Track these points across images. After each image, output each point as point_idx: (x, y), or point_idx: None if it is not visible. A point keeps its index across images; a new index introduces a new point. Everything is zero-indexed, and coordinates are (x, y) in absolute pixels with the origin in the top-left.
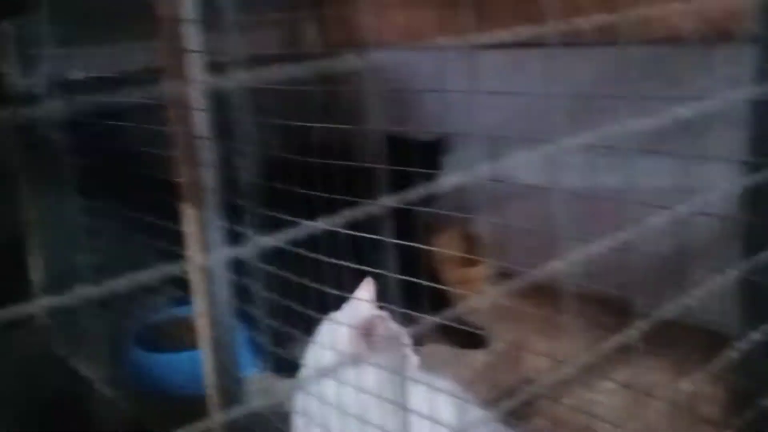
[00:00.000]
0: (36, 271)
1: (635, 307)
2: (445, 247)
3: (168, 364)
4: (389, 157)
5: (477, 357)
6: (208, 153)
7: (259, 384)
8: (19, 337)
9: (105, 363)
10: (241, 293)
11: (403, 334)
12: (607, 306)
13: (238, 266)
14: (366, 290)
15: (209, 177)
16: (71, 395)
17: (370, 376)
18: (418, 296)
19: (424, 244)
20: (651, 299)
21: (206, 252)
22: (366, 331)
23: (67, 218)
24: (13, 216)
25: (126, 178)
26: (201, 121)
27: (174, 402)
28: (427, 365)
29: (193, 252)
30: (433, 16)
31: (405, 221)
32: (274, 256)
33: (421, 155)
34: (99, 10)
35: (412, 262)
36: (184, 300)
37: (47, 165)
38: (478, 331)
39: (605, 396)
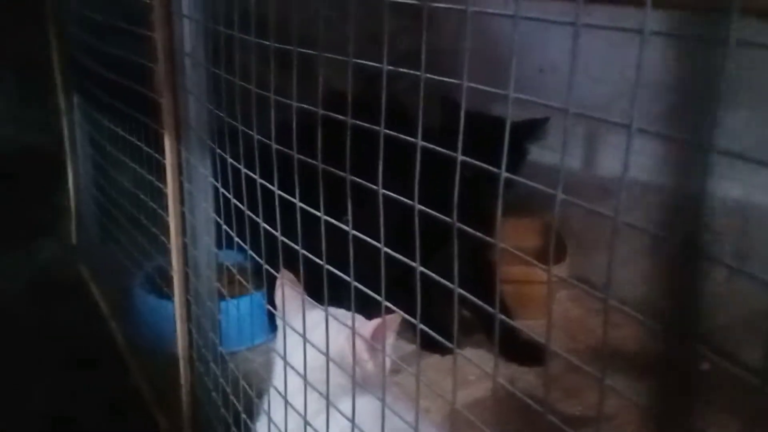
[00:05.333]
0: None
1: None
2: (513, 238)
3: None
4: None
5: (520, 375)
6: (192, 74)
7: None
8: (49, 250)
9: (116, 298)
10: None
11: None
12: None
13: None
14: (285, 281)
15: (193, 105)
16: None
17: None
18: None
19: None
20: None
21: (183, 196)
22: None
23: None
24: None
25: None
26: (186, 31)
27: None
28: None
29: (169, 192)
30: None
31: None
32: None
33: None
34: None
35: (469, 252)
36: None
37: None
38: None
39: None
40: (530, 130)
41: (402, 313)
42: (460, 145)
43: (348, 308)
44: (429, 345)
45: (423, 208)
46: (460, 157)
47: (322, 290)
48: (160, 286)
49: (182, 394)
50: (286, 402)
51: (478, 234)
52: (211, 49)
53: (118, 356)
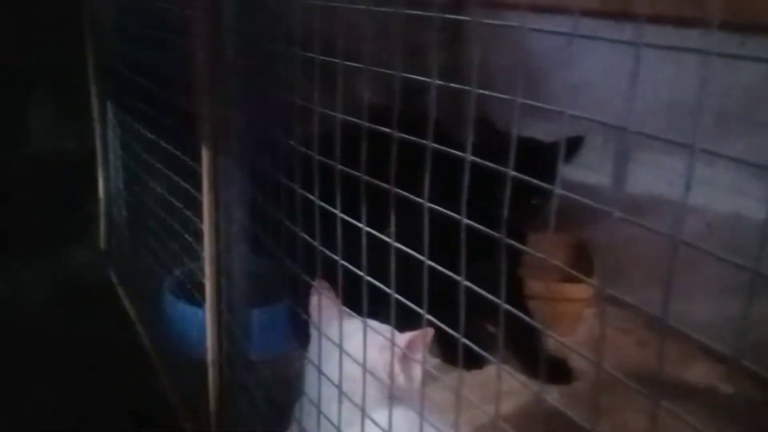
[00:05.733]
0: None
1: None
2: (544, 254)
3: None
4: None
5: (548, 394)
6: (233, 84)
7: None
8: (79, 255)
9: (144, 304)
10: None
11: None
12: None
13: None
14: (321, 291)
15: (233, 115)
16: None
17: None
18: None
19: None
20: None
21: (218, 205)
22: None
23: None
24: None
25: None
26: (227, 42)
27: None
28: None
29: (205, 201)
30: None
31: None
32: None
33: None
34: None
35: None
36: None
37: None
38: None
39: None
40: (565, 150)
41: (443, 325)
42: (511, 160)
43: (380, 320)
44: (455, 359)
45: (469, 221)
46: (511, 172)
47: (355, 301)
48: (190, 292)
49: (210, 401)
50: (320, 411)
51: (523, 248)
52: (252, 60)
53: (146, 361)
